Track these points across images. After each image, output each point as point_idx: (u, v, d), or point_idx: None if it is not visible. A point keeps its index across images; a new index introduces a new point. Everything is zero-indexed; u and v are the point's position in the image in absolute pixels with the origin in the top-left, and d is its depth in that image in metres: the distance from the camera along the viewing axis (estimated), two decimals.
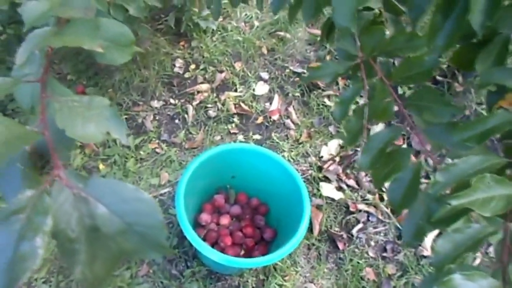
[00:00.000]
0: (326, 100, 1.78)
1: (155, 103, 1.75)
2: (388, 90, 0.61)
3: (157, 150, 1.64)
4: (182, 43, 1.91)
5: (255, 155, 1.38)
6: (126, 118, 1.71)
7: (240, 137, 1.69)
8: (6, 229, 0.34)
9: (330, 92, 1.80)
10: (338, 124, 1.75)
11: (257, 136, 1.70)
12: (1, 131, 0.33)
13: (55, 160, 0.38)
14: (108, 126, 0.42)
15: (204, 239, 1.38)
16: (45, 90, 0.45)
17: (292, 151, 1.67)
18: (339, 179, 1.63)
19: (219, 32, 1.95)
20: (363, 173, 1.64)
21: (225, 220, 1.41)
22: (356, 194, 1.60)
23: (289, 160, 1.64)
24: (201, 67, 1.85)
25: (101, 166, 1.60)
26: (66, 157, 0.40)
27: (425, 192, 0.58)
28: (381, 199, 1.59)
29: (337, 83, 1.83)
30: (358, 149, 1.69)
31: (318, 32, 1.98)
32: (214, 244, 1.38)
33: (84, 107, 0.43)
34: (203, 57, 1.87)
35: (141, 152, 1.63)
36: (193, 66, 1.85)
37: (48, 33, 0.56)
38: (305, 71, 1.87)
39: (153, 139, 1.66)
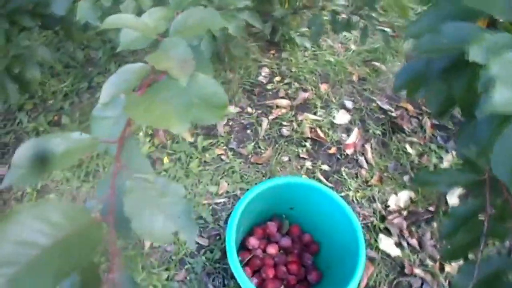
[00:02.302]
0: (408, 146, 1.66)
1: (232, 108, 1.72)
2: None
3: (223, 157, 1.61)
4: (272, 51, 1.86)
5: (318, 192, 1.31)
6: None
7: (308, 163, 1.62)
8: None
9: (414, 139, 1.67)
10: (413, 176, 1.62)
11: (325, 167, 1.62)
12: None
13: (116, 259, 0.34)
14: (178, 224, 0.37)
15: (247, 264, 1.34)
16: (120, 157, 0.41)
17: (358, 192, 1.58)
18: (401, 235, 1.51)
19: (312, 49, 1.88)
20: (428, 235, 1.52)
21: (272, 250, 1.36)
22: (415, 256, 1.48)
23: (352, 201, 1.55)
24: (286, 81, 1.79)
25: (165, 160, 1.60)
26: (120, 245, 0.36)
27: None
28: (442, 269, 1.46)
29: (425, 131, 1.69)
30: (431, 208, 1.56)
31: None
32: (255, 272, 1.33)
33: (157, 192, 0.38)
34: (291, 71, 1.81)
35: (207, 155, 1.61)
36: (278, 78, 1.80)
37: (139, 71, 0.53)
38: (392, 109, 1.75)
39: (221, 145, 1.64)
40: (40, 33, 1.74)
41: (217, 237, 1.47)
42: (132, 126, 0.44)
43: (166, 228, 0.37)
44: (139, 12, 0.99)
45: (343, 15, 1.38)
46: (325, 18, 1.42)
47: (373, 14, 1.33)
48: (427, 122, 1.72)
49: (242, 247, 1.39)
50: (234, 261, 1.09)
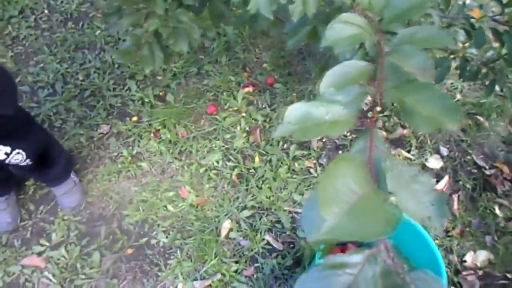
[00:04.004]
0: (496, 207, 1.62)
1: None
2: None
3: (311, 170, 1.64)
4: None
5: (407, 227, 1.30)
6: None
7: (393, 198, 1.61)
8: (334, 279, 0.33)
9: (505, 202, 1.63)
10: (496, 238, 1.58)
11: None
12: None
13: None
14: (430, 211, 0.40)
15: None
16: (373, 137, 0.44)
17: (436, 239, 1.56)
18: None
19: None
20: None
21: None
22: None
23: None
24: (386, 113, 1.81)
25: (256, 159, 1.65)
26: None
27: None
28: None
29: None
30: (508, 275, 1.52)
31: None
32: None
33: (410, 178, 0.41)
34: (392, 105, 1.82)
35: (296, 164, 1.64)
36: (378, 109, 1.81)
37: (363, 68, 0.57)
38: (487, 166, 1.73)
39: (312, 158, 1.67)
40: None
41: (291, 245, 1.49)
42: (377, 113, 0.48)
43: (418, 212, 0.40)
44: (303, 17, 1.04)
45: (473, 64, 1.38)
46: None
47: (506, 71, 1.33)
48: None
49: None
50: None
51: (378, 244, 0.36)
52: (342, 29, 0.64)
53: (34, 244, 1.51)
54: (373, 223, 0.32)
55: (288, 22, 1.22)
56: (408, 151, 1.73)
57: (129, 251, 1.50)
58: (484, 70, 1.40)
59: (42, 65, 1.95)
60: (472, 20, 1.14)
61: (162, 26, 1.11)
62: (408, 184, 0.40)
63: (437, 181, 1.67)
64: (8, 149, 1.27)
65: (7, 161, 1.29)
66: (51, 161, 1.48)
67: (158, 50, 1.20)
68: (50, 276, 1.45)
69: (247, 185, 1.60)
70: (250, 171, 1.63)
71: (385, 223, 0.32)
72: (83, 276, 1.45)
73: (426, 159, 1.72)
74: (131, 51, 1.17)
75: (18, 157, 1.31)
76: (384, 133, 1.75)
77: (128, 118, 1.76)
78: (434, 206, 0.40)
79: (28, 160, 1.34)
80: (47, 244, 1.51)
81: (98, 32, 2.06)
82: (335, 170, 0.33)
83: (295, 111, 0.43)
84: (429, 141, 1.76)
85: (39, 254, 1.49)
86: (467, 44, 1.52)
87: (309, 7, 1.06)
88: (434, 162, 1.71)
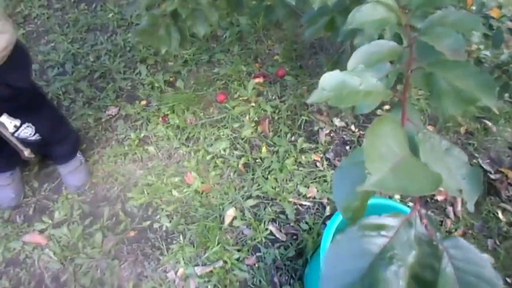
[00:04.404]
0: (499, 212, 1.63)
1: (337, 121, 1.75)
2: None
3: (317, 163, 1.64)
4: None
5: None
6: (305, 120, 1.73)
7: (397, 196, 1.62)
8: (369, 240, 0.33)
9: (508, 207, 1.63)
10: (498, 242, 1.58)
11: (412, 204, 1.61)
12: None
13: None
14: (462, 184, 0.40)
15: None
16: (406, 111, 0.44)
17: None
18: None
19: None
20: None
21: None
22: None
23: None
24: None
25: (264, 149, 1.65)
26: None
27: None
28: None
29: None
30: (508, 279, 1.52)
31: None
32: None
33: (443, 151, 0.41)
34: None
35: (303, 157, 1.64)
36: (387, 107, 1.82)
37: (391, 49, 0.57)
38: (492, 171, 1.73)
39: (319, 152, 1.67)
40: None
41: (294, 237, 1.49)
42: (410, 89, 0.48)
43: (451, 184, 0.40)
44: (322, 6, 1.03)
45: (486, 65, 1.38)
46: None
47: None
48: None
49: None
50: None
51: (412, 210, 0.36)
52: (371, 12, 0.64)
53: (37, 221, 1.51)
54: (417, 181, 0.31)
55: (307, 11, 1.21)
56: None
57: (132, 233, 1.49)
58: (497, 74, 1.40)
59: (53, 44, 1.94)
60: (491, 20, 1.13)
61: (181, 7, 1.11)
62: (441, 157, 0.40)
63: None
64: (18, 121, 1.27)
65: (16, 134, 1.29)
66: (59, 138, 1.48)
67: (175, 31, 1.20)
68: (51, 254, 1.44)
69: (253, 175, 1.60)
70: (257, 161, 1.63)
71: (429, 182, 0.32)
72: (84, 256, 1.44)
73: None
74: (148, 30, 1.17)
75: (28, 131, 1.31)
76: None
77: (137, 102, 1.76)
78: (466, 180, 0.40)
79: (37, 135, 1.34)
80: (50, 221, 1.50)
81: (110, 14, 2.06)
82: (377, 130, 0.33)
83: (330, 78, 0.43)
84: None
85: (41, 231, 1.49)
86: (482, 47, 1.52)
87: None
88: None
